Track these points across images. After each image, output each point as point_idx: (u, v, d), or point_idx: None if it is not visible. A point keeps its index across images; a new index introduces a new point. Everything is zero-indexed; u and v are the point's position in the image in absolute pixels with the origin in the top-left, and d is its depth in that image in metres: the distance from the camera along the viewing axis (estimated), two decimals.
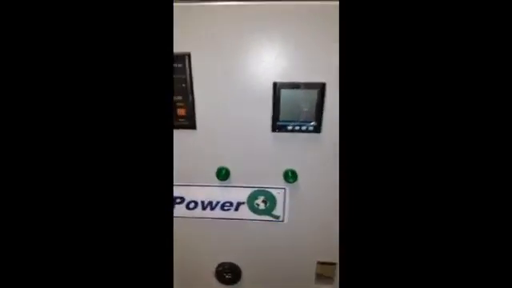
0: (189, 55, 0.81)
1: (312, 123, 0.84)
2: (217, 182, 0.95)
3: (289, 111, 0.84)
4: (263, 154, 0.92)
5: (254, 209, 1.00)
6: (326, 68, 0.80)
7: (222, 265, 1.09)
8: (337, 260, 1.03)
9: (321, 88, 0.81)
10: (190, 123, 0.89)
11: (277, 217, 1.00)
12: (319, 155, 0.90)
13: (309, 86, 0.81)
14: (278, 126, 0.86)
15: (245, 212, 1.01)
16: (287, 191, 0.96)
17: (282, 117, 0.85)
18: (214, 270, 1.10)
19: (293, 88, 0.81)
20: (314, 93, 0.81)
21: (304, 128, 0.85)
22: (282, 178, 0.93)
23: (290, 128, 0.86)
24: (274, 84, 0.82)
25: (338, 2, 0.72)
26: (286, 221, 1.00)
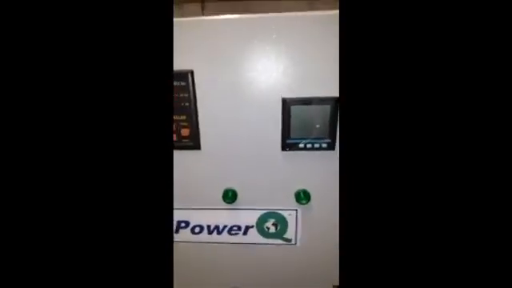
0: (192, 72, 0.76)
1: (325, 140, 0.79)
2: (223, 204, 0.89)
3: (300, 128, 0.79)
4: (273, 174, 0.86)
5: (264, 232, 0.94)
6: (338, 81, 0.75)
7: None
8: None
9: (334, 103, 0.75)
10: (195, 143, 0.84)
11: (288, 240, 0.94)
12: (333, 173, 0.84)
13: (321, 101, 0.76)
14: (288, 144, 0.81)
15: (254, 236, 0.94)
16: (299, 213, 0.90)
17: (292, 134, 0.80)
18: None
19: (304, 104, 0.76)
20: (327, 108, 0.76)
21: (317, 145, 0.80)
22: (293, 198, 0.87)
23: (301, 146, 0.80)
24: (284, 100, 0.77)
25: None
26: (298, 244, 0.94)
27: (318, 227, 0.91)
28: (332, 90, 0.76)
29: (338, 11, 0.68)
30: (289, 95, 0.77)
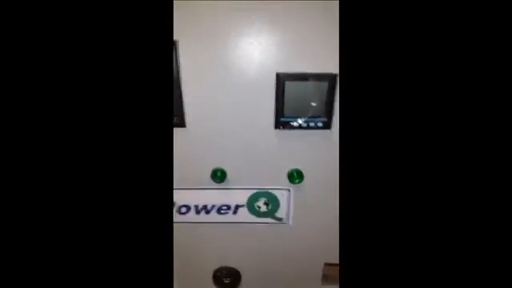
0: (175, 43, 0.67)
1: (321, 119, 0.74)
2: (212, 184, 0.85)
3: (294, 106, 0.73)
4: (264, 153, 0.82)
5: (255, 211, 0.91)
6: (337, 57, 0.68)
7: (219, 270, 1.01)
8: None
9: (331, 80, 0.69)
10: (179, 121, 0.77)
11: (280, 219, 0.92)
12: (328, 153, 0.80)
13: (318, 77, 0.69)
14: (281, 122, 0.75)
15: (244, 215, 0.92)
16: (292, 192, 0.87)
17: (286, 112, 0.74)
18: (211, 275, 1.02)
19: (299, 80, 0.70)
20: (324, 85, 0.70)
21: (312, 124, 0.74)
22: (286, 178, 0.83)
23: (295, 125, 0.75)
24: (277, 75, 0.70)
25: None
26: (290, 223, 0.92)
27: (311, 206, 0.89)
28: (330, 66, 0.69)
29: None
30: (283, 70, 0.70)
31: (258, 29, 0.66)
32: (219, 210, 0.91)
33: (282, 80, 0.70)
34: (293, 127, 0.75)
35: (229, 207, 0.91)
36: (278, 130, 0.77)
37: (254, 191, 0.88)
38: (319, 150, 0.80)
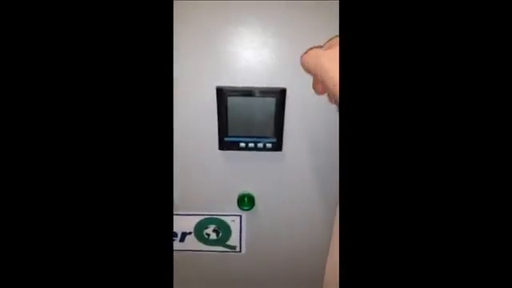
0: None
1: (270, 139, 0.65)
2: None
3: (240, 125, 0.65)
4: (211, 177, 0.73)
5: (204, 239, 0.82)
6: (286, 70, 0.61)
7: None
8: None
9: (280, 95, 0.61)
10: None
11: (232, 247, 0.82)
12: (280, 176, 0.72)
13: (265, 92, 0.61)
14: (226, 142, 0.66)
15: (192, 243, 0.82)
16: (244, 218, 0.78)
17: (231, 132, 0.65)
18: None
19: (244, 95, 0.61)
20: (272, 102, 0.62)
21: (260, 145, 0.66)
22: (236, 203, 0.75)
23: (242, 145, 0.66)
24: (219, 90, 0.61)
25: None
26: (243, 251, 0.83)
27: (265, 233, 0.80)
28: (277, 80, 0.61)
29: None
30: (226, 84, 0.62)
31: (201, 40, 0.58)
32: None
33: (224, 95, 0.61)
34: (239, 148, 0.66)
35: (175, 234, 0.81)
36: (223, 152, 0.68)
37: (202, 217, 0.78)
38: (270, 173, 0.72)
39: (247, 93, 0.61)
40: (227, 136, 0.66)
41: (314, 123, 0.65)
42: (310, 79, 0.39)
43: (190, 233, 0.81)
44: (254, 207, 0.75)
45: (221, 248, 0.83)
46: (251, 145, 0.66)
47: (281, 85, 0.61)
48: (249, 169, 0.71)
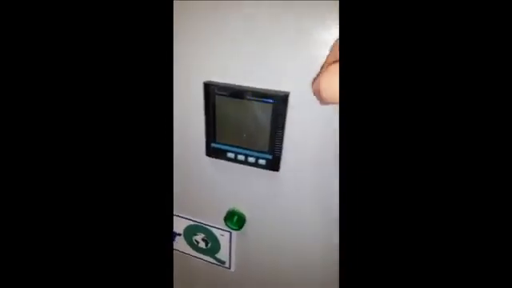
0: None
1: (264, 155, 0.52)
2: None
3: (228, 131, 0.52)
4: (198, 184, 0.63)
5: (193, 245, 0.74)
6: (290, 71, 0.45)
7: None
8: None
9: (281, 100, 0.46)
10: None
11: (222, 262, 0.73)
12: (275, 199, 0.58)
13: (261, 95, 0.47)
14: (213, 149, 0.55)
15: (182, 245, 0.75)
16: (234, 236, 0.67)
17: (219, 138, 0.53)
18: None
19: (235, 97, 0.48)
20: (268, 108, 0.47)
21: (252, 160, 0.53)
22: (225, 216, 0.64)
23: (230, 155, 0.54)
24: (206, 86, 0.49)
25: None
26: (232, 269, 0.72)
27: (256, 254, 0.68)
28: (279, 82, 0.47)
29: None
30: (215, 79, 0.50)
31: (192, 32, 0.47)
32: None
33: (211, 93, 0.49)
34: (227, 158, 0.54)
35: None
36: (211, 159, 0.57)
37: (192, 223, 0.70)
38: (265, 193, 0.58)
39: (238, 93, 0.48)
40: (215, 142, 0.54)
41: (321, 140, 0.49)
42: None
43: (179, 234, 0.74)
44: (245, 226, 0.63)
45: (210, 259, 0.74)
46: (241, 157, 0.53)
47: (284, 88, 0.47)
48: (239, 183, 0.59)
